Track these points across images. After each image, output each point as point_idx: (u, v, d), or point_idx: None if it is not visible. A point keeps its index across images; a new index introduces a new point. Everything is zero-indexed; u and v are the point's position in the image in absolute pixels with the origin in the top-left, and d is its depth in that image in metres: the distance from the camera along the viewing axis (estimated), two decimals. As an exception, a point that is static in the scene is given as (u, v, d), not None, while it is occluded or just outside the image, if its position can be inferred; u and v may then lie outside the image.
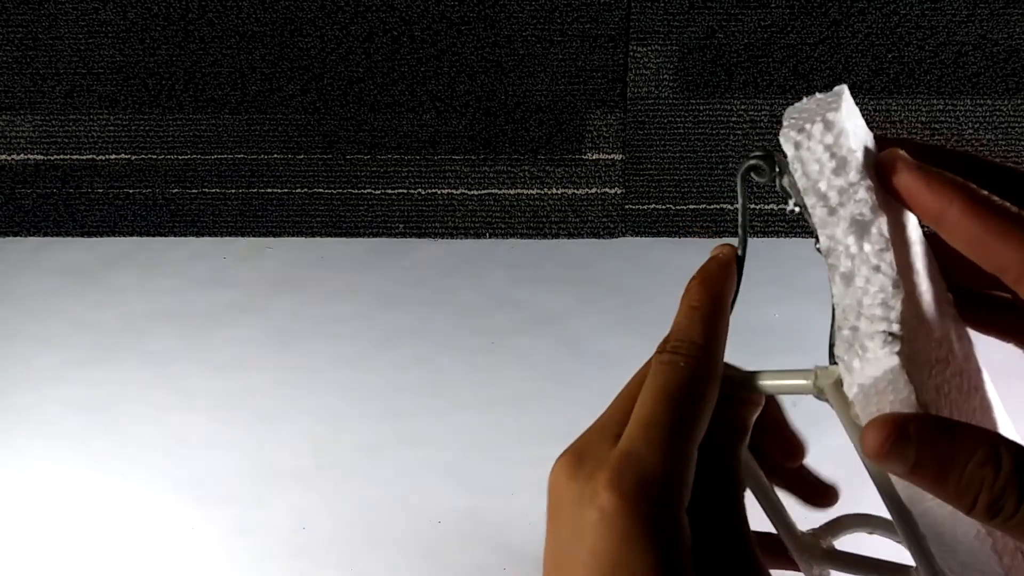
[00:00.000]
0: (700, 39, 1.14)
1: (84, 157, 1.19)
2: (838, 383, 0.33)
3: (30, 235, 1.20)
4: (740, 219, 0.38)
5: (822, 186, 0.33)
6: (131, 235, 1.19)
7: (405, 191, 1.18)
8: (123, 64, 1.17)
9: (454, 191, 1.17)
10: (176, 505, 0.88)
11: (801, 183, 0.34)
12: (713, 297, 0.37)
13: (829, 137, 0.33)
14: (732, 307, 0.38)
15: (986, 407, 0.36)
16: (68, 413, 0.97)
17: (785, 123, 0.34)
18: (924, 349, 0.33)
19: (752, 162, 0.35)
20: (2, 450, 0.94)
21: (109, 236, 1.19)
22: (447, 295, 1.09)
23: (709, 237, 1.16)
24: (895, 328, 0.32)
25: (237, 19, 1.15)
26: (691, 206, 1.17)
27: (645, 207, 1.17)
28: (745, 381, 0.36)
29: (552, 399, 0.96)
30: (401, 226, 1.18)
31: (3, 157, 1.19)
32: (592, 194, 1.17)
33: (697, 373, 0.34)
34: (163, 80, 1.17)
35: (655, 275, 1.10)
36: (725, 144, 1.16)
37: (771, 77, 1.14)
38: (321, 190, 1.18)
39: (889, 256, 0.32)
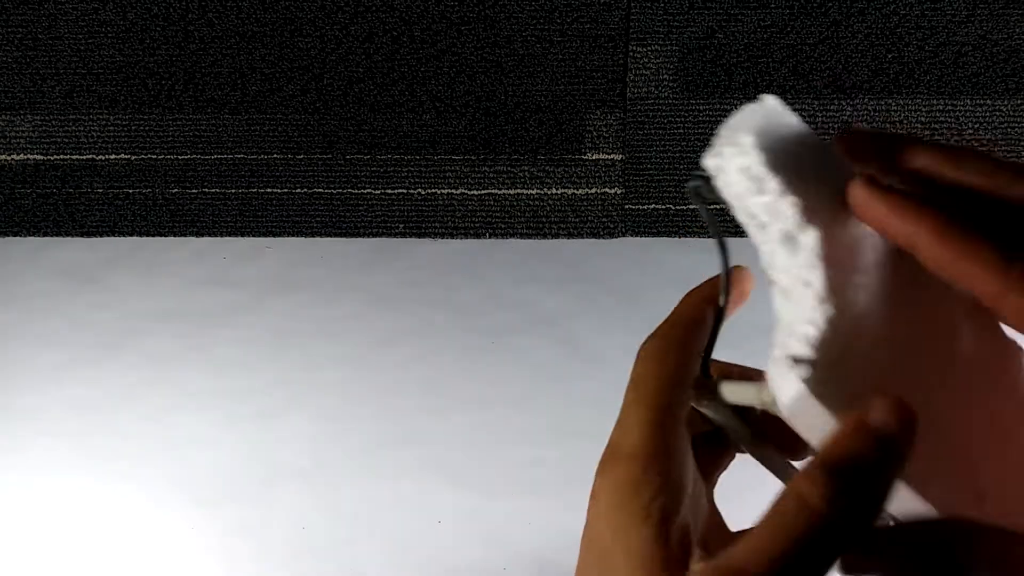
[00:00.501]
0: (700, 39, 1.14)
1: (84, 157, 1.19)
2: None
3: (30, 235, 1.20)
4: (711, 231, 0.36)
5: (748, 204, 0.33)
6: (131, 235, 1.19)
7: (405, 191, 1.18)
8: (123, 64, 1.17)
9: (454, 191, 1.17)
10: (176, 505, 0.88)
11: (732, 202, 0.34)
12: (655, 389, 0.35)
13: (742, 159, 0.33)
14: (712, 345, 0.36)
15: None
16: (68, 413, 0.97)
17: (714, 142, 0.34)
18: (866, 368, 0.32)
19: (693, 184, 0.35)
20: (2, 450, 0.94)
21: (109, 236, 1.19)
22: (447, 295, 1.09)
23: (708, 237, 1.16)
24: (802, 351, 0.31)
25: (237, 19, 1.15)
26: (691, 206, 1.17)
27: (645, 207, 1.17)
28: (712, 388, 0.36)
29: (552, 399, 0.96)
30: (401, 226, 1.18)
31: (3, 157, 1.19)
32: (592, 194, 1.17)
33: (641, 488, 0.32)
34: (163, 80, 1.17)
35: (655, 275, 1.10)
36: (725, 144, 1.16)
37: (771, 77, 1.14)
38: (321, 190, 1.18)
39: (818, 272, 0.32)
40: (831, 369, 0.31)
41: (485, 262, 1.14)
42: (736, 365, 0.39)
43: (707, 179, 0.35)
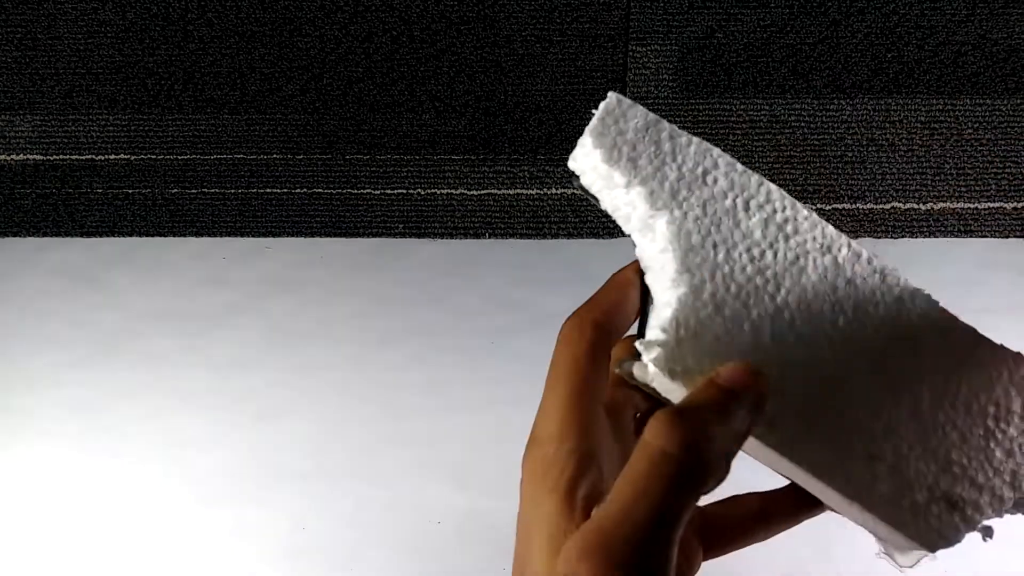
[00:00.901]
0: (700, 39, 1.14)
1: (84, 157, 1.19)
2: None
3: (30, 235, 1.20)
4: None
5: (606, 198, 0.36)
6: (131, 235, 1.19)
7: (405, 191, 1.18)
8: (123, 64, 1.17)
9: (454, 191, 1.17)
10: (176, 505, 0.88)
11: (598, 198, 0.36)
12: (567, 371, 0.37)
13: (587, 160, 0.36)
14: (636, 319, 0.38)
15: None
16: (68, 413, 0.97)
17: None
18: (732, 339, 0.33)
19: (577, 183, 0.37)
20: (2, 450, 0.94)
21: (109, 236, 1.19)
22: (447, 295, 1.09)
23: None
24: (653, 335, 0.33)
25: (237, 19, 1.15)
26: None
27: (645, 207, 1.17)
28: (627, 370, 0.37)
29: (552, 399, 0.96)
30: (401, 226, 1.18)
31: (3, 157, 1.19)
32: (592, 194, 1.17)
33: (550, 466, 0.34)
34: (163, 80, 1.17)
35: (655, 275, 1.10)
36: (725, 144, 1.16)
37: (771, 77, 1.14)
38: (321, 190, 1.18)
39: (669, 256, 0.34)
40: (687, 344, 0.33)
41: (485, 262, 1.14)
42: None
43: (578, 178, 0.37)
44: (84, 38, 1.16)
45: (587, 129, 0.36)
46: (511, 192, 1.17)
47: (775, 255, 0.35)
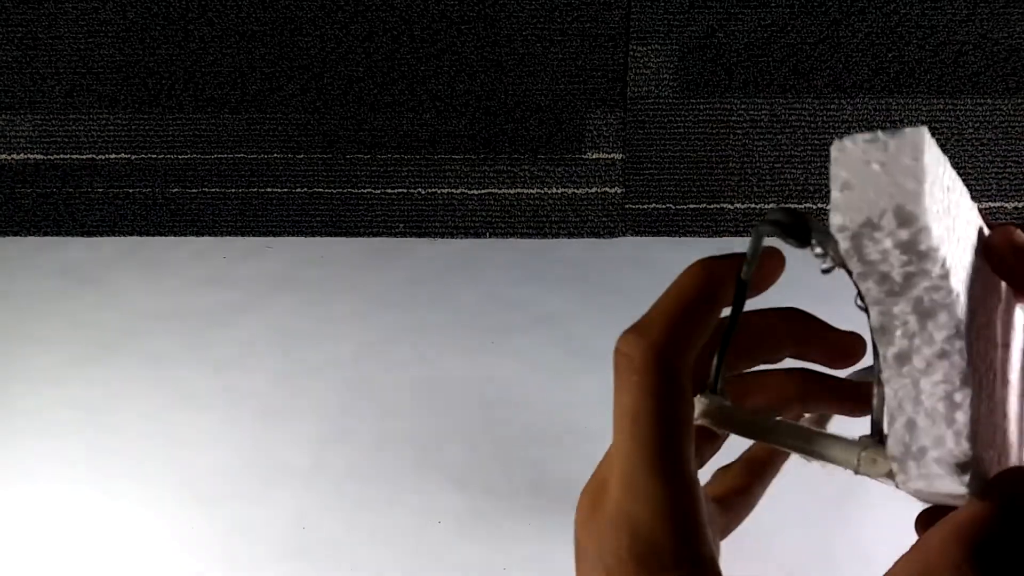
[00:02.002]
0: (700, 39, 1.14)
1: (84, 157, 1.19)
2: (888, 472, 0.29)
3: (30, 235, 1.20)
4: (745, 269, 0.31)
5: (884, 268, 0.27)
6: (131, 235, 1.19)
7: (405, 191, 1.18)
8: (123, 64, 1.17)
9: (454, 191, 1.17)
10: (176, 504, 0.88)
11: (855, 267, 0.28)
12: (697, 287, 0.30)
13: (904, 233, 0.26)
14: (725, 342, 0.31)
15: None
16: (68, 413, 0.97)
17: (835, 189, 0.27)
18: (992, 444, 0.29)
19: (770, 228, 0.29)
20: (2, 449, 0.94)
21: (109, 236, 1.19)
22: (447, 295, 1.09)
23: (709, 237, 1.16)
24: (966, 453, 0.27)
25: (237, 19, 1.15)
26: (691, 206, 1.17)
27: (645, 207, 1.17)
28: (742, 422, 0.32)
29: (552, 399, 0.96)
30: (401, 226, 1.18)
31: (3, 157, 1.19)
32: (592, 194, 1.17)
33: (656, 384, 0.28)
34: (163, 80, 1.17)
35: (655, 275, 1.10)
36: (725, 144, 1.16)
37: (771, 76, 1.14)
38: (321, 190, 1.18)
39: (960, 343, 0.27)
40: (978, 463, 0.28)
41: (485, 262, 1.13)
42: (747, 376, 0.34)
43: (796, 226, 0.29)
44: (84, 38, 1.16)
45: (923, 192, 0.26)
46: (511, 192, 1.17)
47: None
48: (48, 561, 0.84)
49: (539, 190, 1.17)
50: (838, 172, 0.27)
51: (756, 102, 1.15)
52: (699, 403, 0.32)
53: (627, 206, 1.17)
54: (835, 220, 0.27)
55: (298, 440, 0.93)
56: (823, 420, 0.37)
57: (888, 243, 0.27)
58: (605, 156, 1.16)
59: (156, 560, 0.84)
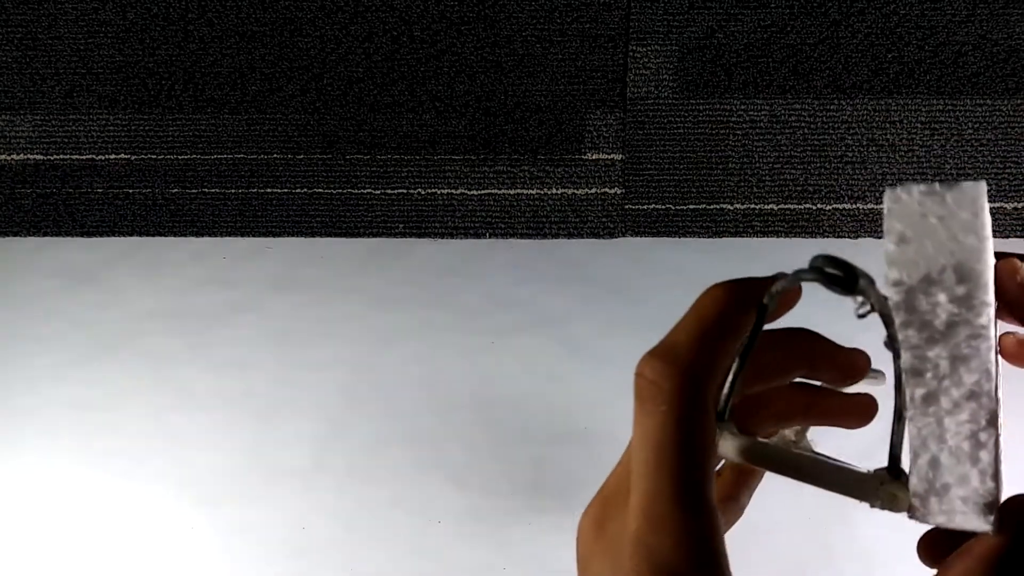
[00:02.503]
0: (700, 39, 1.14)
1: (84, 157, 1.19)
2: (909, 507, 0.29)
3: (30, 235, 1.20)
4: (768, 299, 0.30)
5: (929, 318, 0.27)
6: (131, 235, 1.19)
7: (405, 191, 1.18)
8: (123, 64, 1.17)
9: (454, 191, 1.17)
10: (176, 505, 0.88)
11: (900, 316, 0.27)
12: (724, 314, 0.29)
13: (962, 289, 0.26)
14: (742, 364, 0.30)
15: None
16: (68, 413, 0.97)
17: (890, 242, 0.27)
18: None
19: (814, 276, 0.28)
20: (3, 449, 0.94)
21: (109, 236, 1.19)
22: (447, 295, 1.09)
23: (709, 237, 1.16)
24: (991, 492, 0.27)
25: (237, 19, 1.15)
26: (691, 206, 1.17)
27: (645, 207, 1.17)
28: (770, 455, 0.31)
29: (552, 399, 0.96)
30: (401, 226, 1.18)
31: (3, 157, 1.19)
32: (592, 194, 1.17)
33: (683, 414, 0.28)
34: (163, 80, 1.17)
35: (655, 275, 1.10)
36: (725, 144, 1.16)
37: (771, 77, 1.14)
38: (321, 190, 1.18)
39: (990, 386, 0.27)
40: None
41: (485, 262, 1.14)
42: (760, 398, 0.34)
43: (848, 280, 0.28)
44: (84, 38, 1.16)
45: (983, 252, 0.26)
46: (511, 192, 1.17)
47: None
48: (49, 559, 0.84)
49: (539, 191, 1.17)
50: (893, 224, 0.26)
51: (756, 103, 1.15)
52: (732, 440, 0.31)
53: (627, 206, 1.17)
54: (892, 275, 0.27)
55: (298, 440, 0.93)
56: (802, 432, 0.37)
57: (943, 297, 0.26)
58: (605, 157, 1.17)
59: (157, 559, 0.84)
